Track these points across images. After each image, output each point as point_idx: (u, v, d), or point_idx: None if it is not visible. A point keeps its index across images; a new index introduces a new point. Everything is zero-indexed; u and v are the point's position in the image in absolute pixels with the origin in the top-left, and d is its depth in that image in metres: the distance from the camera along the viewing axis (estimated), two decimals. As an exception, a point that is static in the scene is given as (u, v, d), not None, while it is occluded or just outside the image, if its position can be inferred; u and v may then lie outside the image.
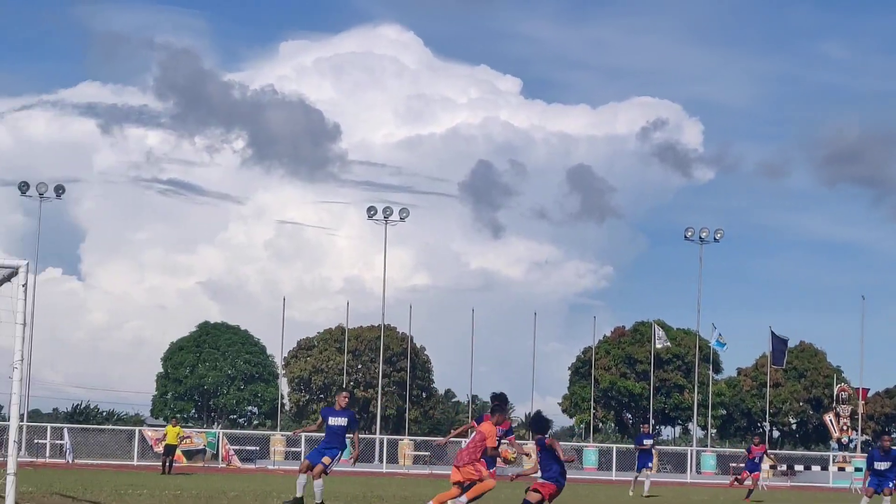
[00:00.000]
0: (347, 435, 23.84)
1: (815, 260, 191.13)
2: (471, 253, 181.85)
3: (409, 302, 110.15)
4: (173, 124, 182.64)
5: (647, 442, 39.72)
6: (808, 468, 67.48)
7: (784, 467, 67.60)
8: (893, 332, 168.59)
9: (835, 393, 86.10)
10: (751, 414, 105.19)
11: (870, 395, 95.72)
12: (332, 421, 23.59)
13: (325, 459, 23.31)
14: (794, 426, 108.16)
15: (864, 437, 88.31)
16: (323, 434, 23.98)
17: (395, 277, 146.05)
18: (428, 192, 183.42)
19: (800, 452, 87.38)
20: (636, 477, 39.63)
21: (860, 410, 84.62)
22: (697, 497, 39.97)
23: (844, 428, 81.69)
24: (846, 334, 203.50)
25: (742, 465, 39.57)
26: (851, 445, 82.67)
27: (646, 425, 47.03)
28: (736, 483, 39.35)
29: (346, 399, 24.20)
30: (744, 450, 44.32)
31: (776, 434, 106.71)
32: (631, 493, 37.18)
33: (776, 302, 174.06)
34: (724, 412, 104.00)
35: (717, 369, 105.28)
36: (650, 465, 39.99)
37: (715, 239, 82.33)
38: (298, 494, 23.59)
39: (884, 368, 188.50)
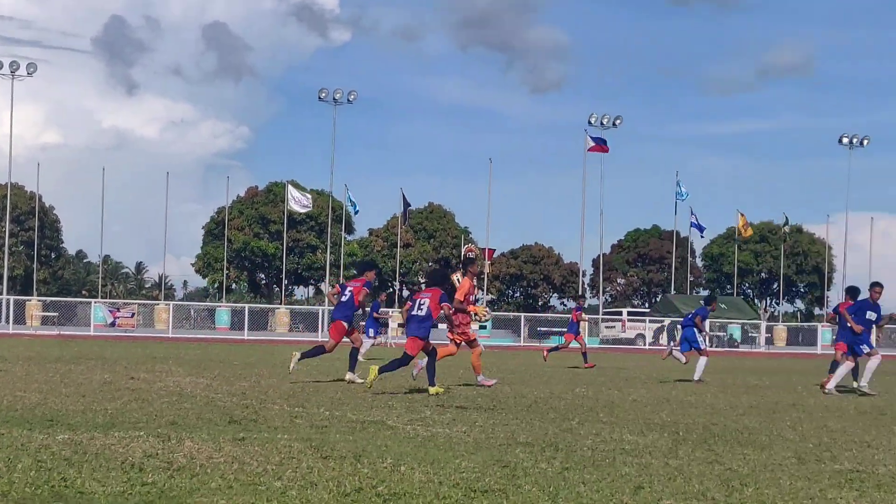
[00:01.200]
0: None
1: (447, 123, 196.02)
2: (104, 110, 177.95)
3: (39, 160, 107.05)
4: None
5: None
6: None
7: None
8: (519, 195, 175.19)
9: (462, 253, 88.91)
10: (382, 273, 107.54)
11: (496, 255, 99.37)
12: None
13: None
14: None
15: (490, 297, 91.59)
16: None
17: (24, 135, 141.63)
18: (59, 48, 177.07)
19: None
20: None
21: (486, 270, 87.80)
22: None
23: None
24: (475, 197, 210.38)
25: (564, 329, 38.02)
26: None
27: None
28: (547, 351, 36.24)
29: None
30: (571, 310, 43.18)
31: (406, 293, 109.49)
32: None
33: (409, 164, 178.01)
34: (356, 272, 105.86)
35: (350, 230, 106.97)
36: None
37: (349, 101, 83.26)
38: None
39: (510, 229, 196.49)
